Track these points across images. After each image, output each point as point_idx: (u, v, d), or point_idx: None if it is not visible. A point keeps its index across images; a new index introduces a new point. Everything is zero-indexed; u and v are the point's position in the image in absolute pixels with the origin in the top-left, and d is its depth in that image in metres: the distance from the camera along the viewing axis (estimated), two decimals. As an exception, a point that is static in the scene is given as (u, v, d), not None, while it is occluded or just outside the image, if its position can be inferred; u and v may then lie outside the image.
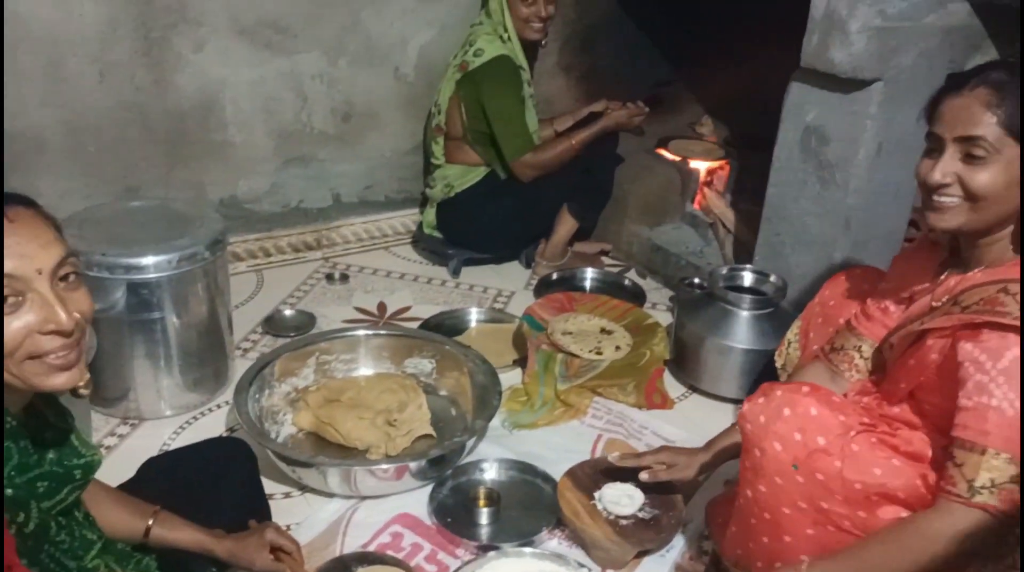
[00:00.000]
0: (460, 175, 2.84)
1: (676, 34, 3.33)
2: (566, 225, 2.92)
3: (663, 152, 3.17)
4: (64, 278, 1.01)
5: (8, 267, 0.95)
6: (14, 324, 0.96)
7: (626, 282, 2.88)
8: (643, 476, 1.73)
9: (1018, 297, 1.24)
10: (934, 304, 1.40)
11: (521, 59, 2.77)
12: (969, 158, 1.28)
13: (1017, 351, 1.20)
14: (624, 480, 1.79)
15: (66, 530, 1.14)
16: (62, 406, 1.16)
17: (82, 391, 1.10)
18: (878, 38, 2.00)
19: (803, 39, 2.11)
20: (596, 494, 1.77)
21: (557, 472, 1.89)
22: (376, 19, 2.88)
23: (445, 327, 2.51)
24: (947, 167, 1.30)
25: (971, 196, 1.29)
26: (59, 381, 1.02)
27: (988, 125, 1.26)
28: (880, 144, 2.14)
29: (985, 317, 1.25)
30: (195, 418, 2.11)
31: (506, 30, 2.73)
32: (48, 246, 0.99)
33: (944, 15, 2.11)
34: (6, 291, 0.95)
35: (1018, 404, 1.20)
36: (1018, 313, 1.22)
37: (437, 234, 2.93)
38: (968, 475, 1.22)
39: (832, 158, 2.19)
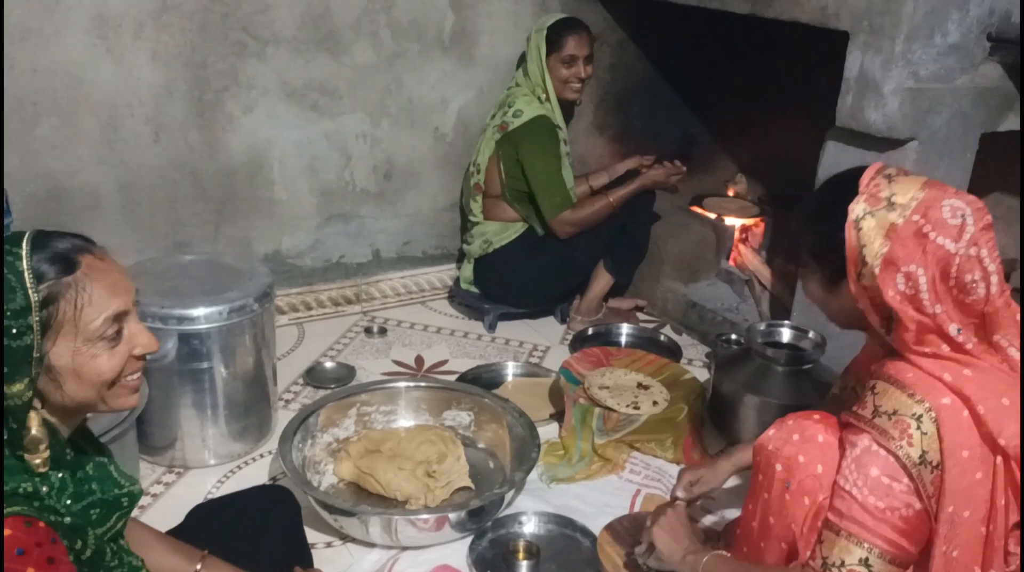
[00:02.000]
0: (498, 232, 2.90)
1: (710, 94, 3.40)
2: (601, 281, 2.95)
3: (698, 209, 3.21)
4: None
5: (120, 303, 1.04)
6: (118, 354, 1.05)
7: (662, 338, 2.90)
8: (678, 494, 1.77)
9: (879, 395, 1.29)
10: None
11: (559, 119, 2.85)
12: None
13: (867, 443, 1.27)
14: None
15: (116, 556, 1.17)
16: (97, 440, 1.23)
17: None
18: (911, 99, 2.05)
19: (837, 99, 2.16)
20: (638, 549, 1.77)
21: (595, 526, 1.89)
22: (417, 82, 2.99)
23: (482, 381, 2.54)
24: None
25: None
26: (132, 401, 1.12)
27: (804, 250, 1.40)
28: (915, 202, 2.16)
29: (845, 416, 1.34)
30: (239, 467, 2.14)
31: (545, 91, 2.81)
32: (129, 280, 1.09)
33: (976, 77, 2.15)
34: (119, 325, 1.05)
35: (867, 492, 1.25)
36: (870, 414, 1.28)
37: (474, 289, 2.98)
38: (824, 552, 1.30)
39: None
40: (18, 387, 0.99)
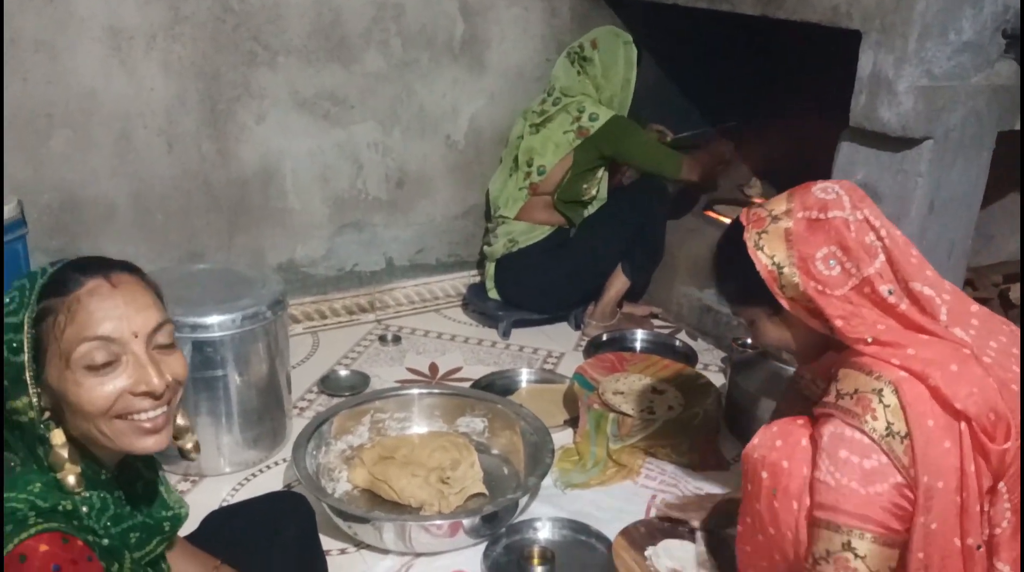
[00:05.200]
0: (525, 231, 2.92)
1: (723, 98, 3.38)
2: (617, 284, 2.95)
3: (712, 214, 3.20)
4: (161, 346, 1.04)
5: (106, 329, 0.99)
6: (108, 386, 0.99)
7: (677, 343, 2.88)
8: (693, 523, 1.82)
9: (840, 381, 1.32)
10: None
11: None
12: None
13: (832, 428, 1.28)
14: (680, 537, 1.78)
15: None
16: (154, 458, 1.19)
17: (192, 455, 1.15)
18: (925, 97, 2.03)
19: (850, 99, 2.14)
20: (648, 551, 1.76)
21: (611, 532, 1.88)
22: (428, 90, 2.99)
23: (496, 387, 2.53)
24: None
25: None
26: (147, 444, 1.04)
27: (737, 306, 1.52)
28: (932, 202, 2.14)
29: (815, 411, 1.36)
30: (253, 475, 2.14)
31: (619, 99, 2.90)
32: (145, 310, 1.03)
33: (991, 75, 2.13)
34: (104, 355, 0.99)
35: (839, 476, 1.26)
36: (834, 398, 1.31)
37: (495, 295, 2.99)
38: (813, 549, 1.30)
39: (886, 217, 2.19)
40: (21, 403, 0.99)
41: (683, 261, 3.06)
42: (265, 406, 2.15)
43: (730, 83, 3.33)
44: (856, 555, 1.24)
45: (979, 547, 1.25)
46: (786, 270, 1.34)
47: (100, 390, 0.99)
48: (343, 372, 2.64)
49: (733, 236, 1.42)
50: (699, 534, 1.84)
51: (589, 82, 2.89)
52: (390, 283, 3.14)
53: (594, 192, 2.93)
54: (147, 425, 1.02)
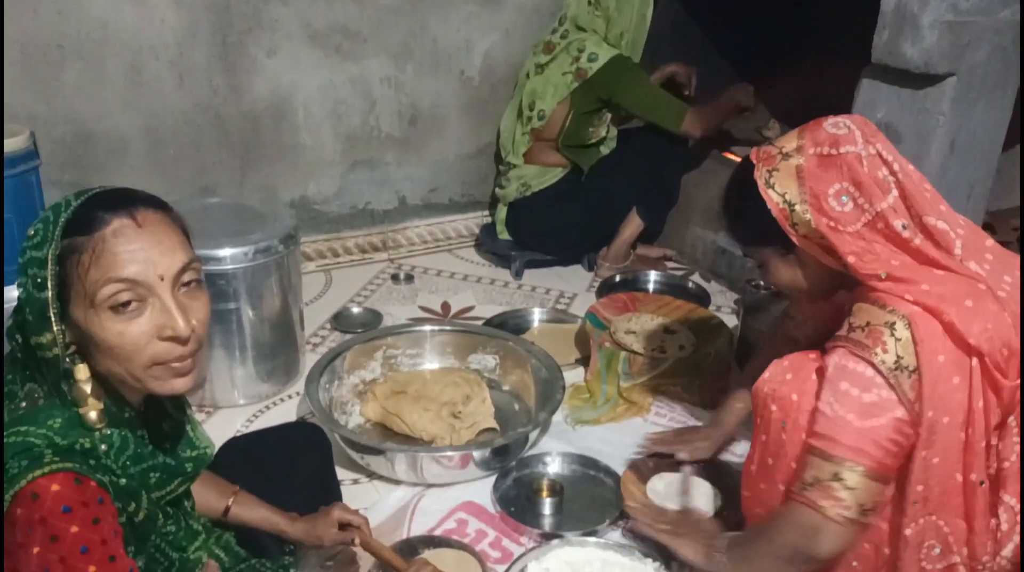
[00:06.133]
0: (537, 175, 2.89)
1: (742, 39, 3.31)
2: (631, 226, 2.93)
3: (729, 155, 3.15)
4: (187, 284, 1.01)
5: (131, 271, 0.95)
6: (135, 329, 0.97)
7: (690, 285, 2.87)
8: (680, 456, 1.87)
9: (853, 314, 1.31)
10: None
11: (636, 59, 2.84)
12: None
13: (837, 359, 1.28)
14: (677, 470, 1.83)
15: (173, 520, 1.17)
16: (181, 397, 1.18)
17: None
18: (950, 32, 1.98)
19: (873, 36, 2.09)
20: (650, 483, 1.80)
21: (619, 467, 1.90)
22: (442, 24, 2.94)
23: (508, 326, 2.54)
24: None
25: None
26: (175, 385, 1.02)
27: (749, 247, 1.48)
28: (952, 142, 2.10)
29: (826, 345, 1.35)
30: (267, 408, 2.17)
31: (631, 36, 2.79)
32: (172, 252, 0.99)
33: (1019, 10, 2.07)
34: (129, 296, 0.96)
35: (837, 407, 1.25)
36: (846, 331, 1.30)
37: (506, 236, 2.97)
38: (804, 475, 1.30)
39: (905, 155, 2.15)
40: (46, 338, 0.98)
41: (698, 203, 3.03)
42: (278, 340, 2.17)
43: (749, 22, 3.25)
44: (845, 486, 1.24)
45: (982, 482, 1.25)
46: (798, 207, 1.32)
47: (127, 334, 0.97)
48: (356, 309, 2.66)
49: (744, 175, 1.39)
50: (687, 467, 1.87)
51: (600, 14, 2.78)
52: (403, 222, 3.13)
53: (603, 133, 2.89)
54: (175, 369, 1.01)
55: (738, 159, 3.08)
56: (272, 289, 2.11)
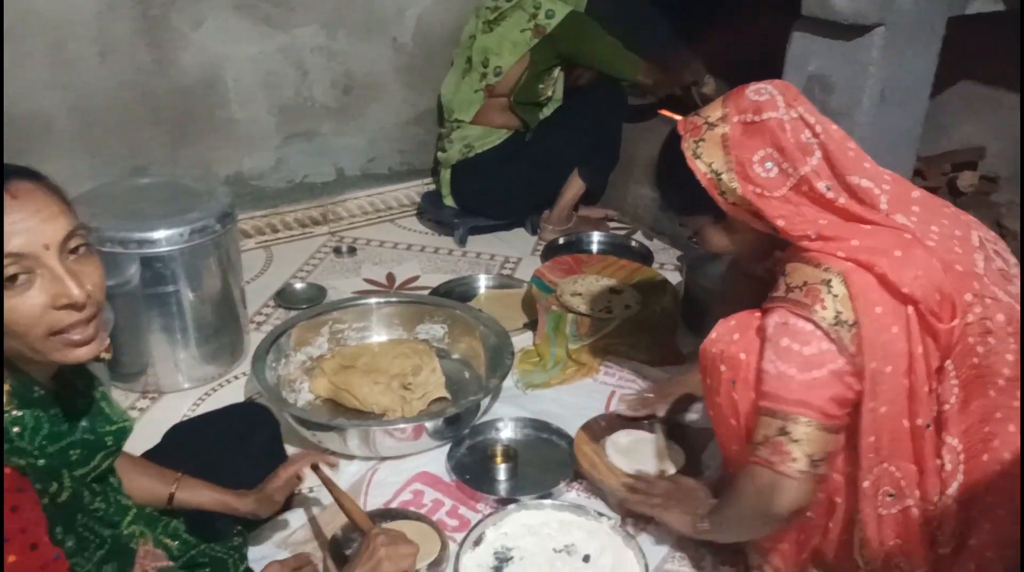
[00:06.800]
0: (481, 136, 2.88)
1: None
2: (573, 188, 2.93)
3: (667, 113, 3.16)
4: (74, 250, 0.99)
5: (15, 245, 0.93)
6: (28, 302, 0.94)
7: (633, 244, 2.89)
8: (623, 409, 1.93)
9: (788, 274, 1.34)
10: None
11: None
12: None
13: (777, 318, 1.30)
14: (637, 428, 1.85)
15: (101, 497, 1.15)
16: (90, 373, 1.16)
17: (103, 355, 1.08)
18: (878, -17, 2.00)
19: (803, -11, 2.10)
20: (604, 442, 1.82)
21: (572, 429, 1.92)
22: (373, -11, 2.88)
23: (454, 294, 2.53)
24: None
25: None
26: (79, 354, 1.00)
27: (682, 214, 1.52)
28: (883, 90, 2.14)
29: (764, 305, 1.37)
30: (213, 390, 2.13)
31: None
32: (53, 219, 0.96)
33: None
34: (16, 269, 0.93)
35: (780, 363, 1.28)
36: (783, 292, 1.32)
37: (451, 202, 2.95)
38: (755, 436, 1.33)
39: (837, 107, 2.19)
40: None
41: (638, 162, 3.04)
42: (221, 321, 2.13)
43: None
44: (792, 439, 1.27)
45: (928, 426, 1.29)
46: (724, 176, 1.35)
47: (21, 309, 0.94)
48: (299, 285, 2.62)
49: (672, 147, 1.42)
50: (658, 425, 1.89)
51: None
52: (343, 194, 3.08)
53: (550, 93, 2.89)
54: (77, 337, 0.99)
55: (675, 117, 3.11)
56: (211, 269, 2.07)
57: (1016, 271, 1.36)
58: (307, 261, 2.82)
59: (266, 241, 2.91)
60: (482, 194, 2.92)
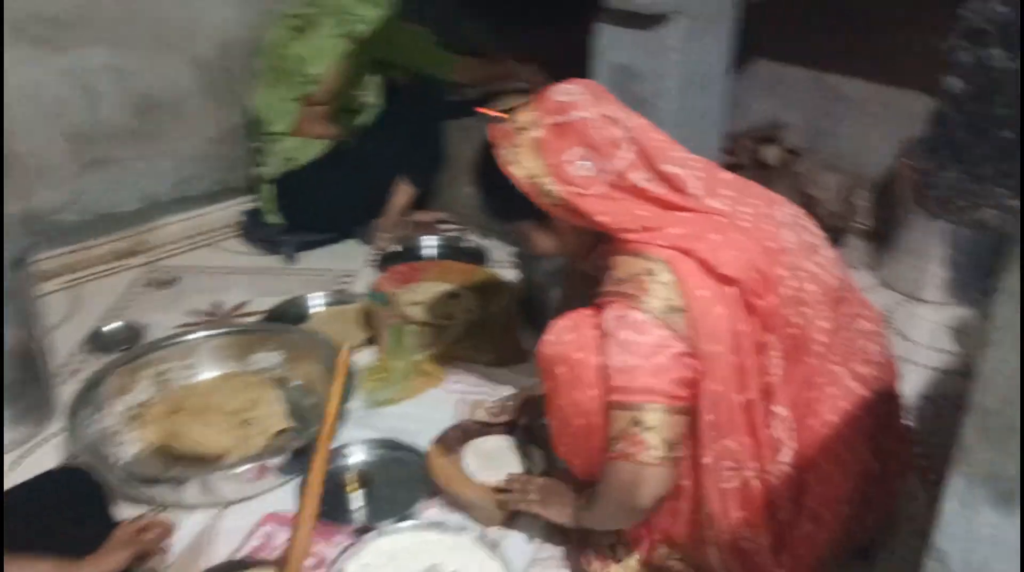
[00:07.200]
0: (302, 147, 2.78)
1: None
2: (402, 193, 2.88)
3: (486, 111, 3.16)
4: None
5: None
6: None
7: (467, 245, 2.87)
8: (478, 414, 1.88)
9: (615, 268, 1.36)
10: None
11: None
12: None
13: (613, 312, 1.32)
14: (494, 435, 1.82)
15: None
16: None
17: None
18: (672, -28, 2.07)
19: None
20: (462, 452, 1.79)
21: (425, 442, 1.86)
22: (163, 4, 2.69)
23: (289, 316, 2.42)
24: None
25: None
26: None
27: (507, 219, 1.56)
28: (687, 76, 2.22)
29: (597, 301, 1.38)
30: (23, 457, 1.92)
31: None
32: None
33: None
34: None
35: (623, 356, 1.29)
36: (612, 286, 1.34)
37: (276, 219, 2.82)
38: (609, 432, 1.33)
39: (643, 94, 2.25)
40: None
41: (464, 161, 3.01)
42: (22, 378, 1.92)
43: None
44: (646, 428, 1.28)
45: (758, 400, 1.34)
46: (543, 179, 1.37)
47: None
48: (113, 326, 2.40)
49: (488, 154, 1.42)
50: (517, 429, 1.87)
51: None
52: (154, 221, 2.87)
53: (370, 99, 2.82)
54: None
55: (494, 114, 3.11)
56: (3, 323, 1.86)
57: (819, 241, 1.44)
58: (120, 299, 2.60)
59: (71, 281, 2.66)
60: (309, 207, 2.81)
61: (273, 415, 1.95)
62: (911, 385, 2.04)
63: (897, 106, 2.71)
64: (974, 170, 0.55)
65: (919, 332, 2.34)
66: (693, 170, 1.38)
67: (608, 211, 1.36)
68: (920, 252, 2.46)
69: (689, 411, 1.32)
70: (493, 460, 1.79)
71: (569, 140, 1.36)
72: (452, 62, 2.81)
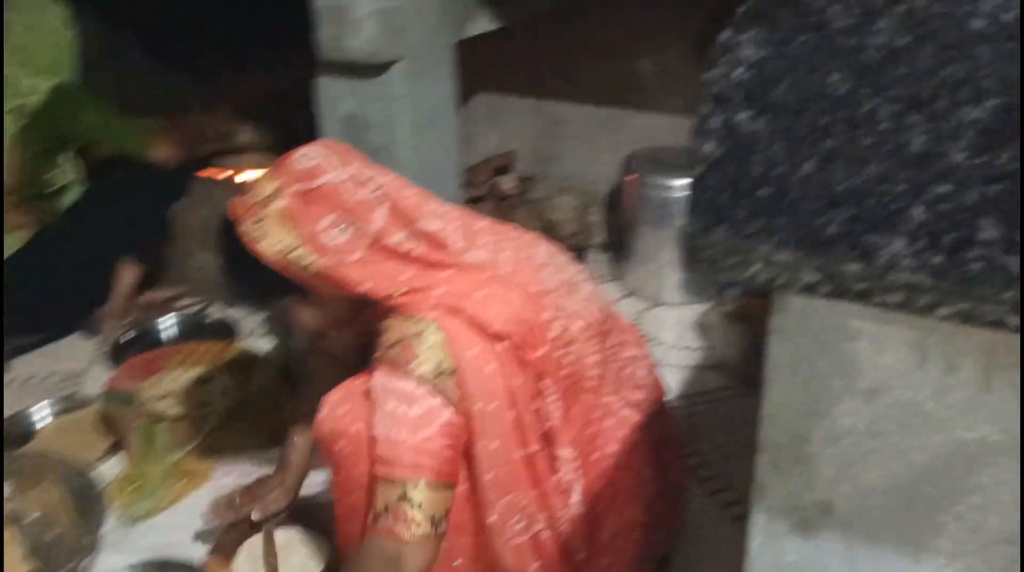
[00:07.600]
0: None
1: (193, 48, 3.11)
2: (125, 274, 2.62)
3: (209, 173, 2.96)
4: None
5: None
6: None
7: (208, 320, 2.65)
8: (256, 516, 1.66)
9: (385, 333, 1.31)
10: None
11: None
12: None
13: (379, 381, 1.27)
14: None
15: None
16: None
17: None
18: (385, 20, 2.04)
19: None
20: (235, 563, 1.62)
21: (200, 552, 1.69)
22: None
23: (11, 437, 2.09)
24: None
25: None
26: None
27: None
28: (414, 121, 2.22)
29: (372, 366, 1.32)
30: None
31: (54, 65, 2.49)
32: None
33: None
34: None
35: (390, 429, 1.24)
36: (382, 351, 1.30)
37: None
38: (373, 506, 1.27)
39: (376, 143, 2.21)
40: None
41: (192, 229, 2.80)
42: None
43: (201, 32, 3.06)
44: (413, 504, 1.23)
45: (540, 449, 1.34)
46: (297, 252, 1.29)
47: None
48: None
49: (232, 235, 1.33)
50: (267, 525, 1.71)
51: (12, 44, 2.44)
52: None
53: (66, 178, 2.54)
54: None
55: (216, 177, 2.93)
56: None
57: (578, 278, 1.48)
58: None
59: None
60: (16, 307, 2.45)
61: (9, 562, 1.67)
62: (670, 387, 2.16)
63: (615, 124, 2.90)
64: (739, 230, 0.56)
65: (668, 334, 2.51)
66: (450, 221, 1.36)
67: (370, 277, 1.30)
68: (655, 259, 2.64)
69: (456, 483, 1.29)
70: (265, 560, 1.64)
71: (321, 207, 1.29)
72: (148, 138, 2.59)
